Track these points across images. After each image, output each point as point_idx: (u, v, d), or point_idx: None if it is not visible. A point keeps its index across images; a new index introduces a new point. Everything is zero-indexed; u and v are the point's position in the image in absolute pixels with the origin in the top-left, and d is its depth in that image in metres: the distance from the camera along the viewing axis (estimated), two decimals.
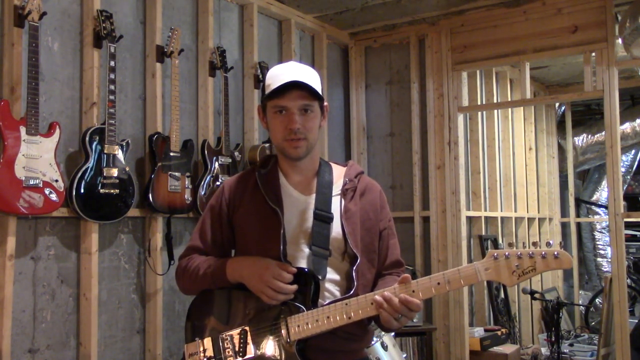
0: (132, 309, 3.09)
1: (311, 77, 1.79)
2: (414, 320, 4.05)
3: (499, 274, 1.60)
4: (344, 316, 1.66)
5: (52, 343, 2.71)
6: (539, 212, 6.06)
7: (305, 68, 1.83)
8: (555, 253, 1.56)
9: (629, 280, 6.27)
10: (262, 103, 1.85)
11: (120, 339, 3.02)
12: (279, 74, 1.78)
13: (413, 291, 1.64)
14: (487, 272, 1.61)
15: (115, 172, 2.80)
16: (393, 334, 3.50)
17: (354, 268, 1.78)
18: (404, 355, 3.56)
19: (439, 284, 1.63)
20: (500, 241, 5.28)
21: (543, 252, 1.57)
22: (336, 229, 1.81)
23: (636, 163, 7.19)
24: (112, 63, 2.83)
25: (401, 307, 1.63)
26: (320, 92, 1.79)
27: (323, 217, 1.80)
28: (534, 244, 1.60)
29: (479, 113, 5.25)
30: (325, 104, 1.85)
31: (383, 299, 1.64)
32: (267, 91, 1.78)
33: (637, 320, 5.01)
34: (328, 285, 1.78)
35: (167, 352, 3.22)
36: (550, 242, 1.60)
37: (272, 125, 1.81)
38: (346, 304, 1.67)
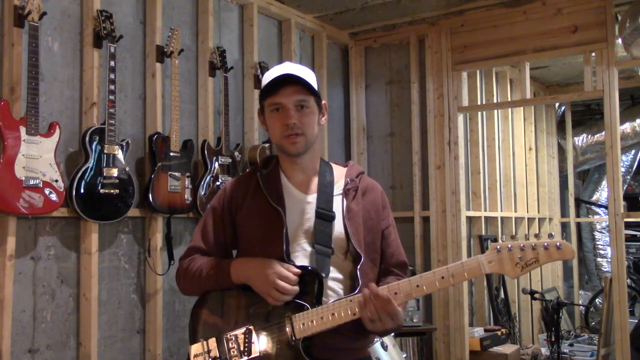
0: (132, 309, 3.09)
1: (305, 73, 1.81)
2: (414, 321, 4.05)
3: (502, 266, 1.61)
4: (349, 312, 1.67)
5: (52, 343, 2.71)
6: (539, 212, 6.06)
7: (299, 66, 1.86)
8: (558, 244, 1.58)
9: (629, 280, 6.27)
10: (260, 104, 1.87)
11: (120, 339, 3.02)
12: (273, 74, 1.80)
13: (417, 286, 1.65)
14: (490, 265, 1.62)
15: (115, 172, 2.80)
16: (393, 334, 3.49)
17: (358, 267, 1.78)
18: (404, 355, 3.56)
19: (442, 277, 1.64)
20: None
21: (545, 244, 1.58)
22: (339, 228, 1.81)
23: (636, 163, 7.19)
24: (112, 63, 2.83)
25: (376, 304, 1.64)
26: (315, 87, 1.80)
27: (325, 216, 1.80)
28: (536, 235, 1.62)
29: (479, 113, 5.25)
30: (324, 102, 1.87)
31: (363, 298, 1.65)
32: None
33: (637, 320, 5.01)
34: (331, 283, 1.79)
35: (167, 352, 3.21)
36: (552, 233, 1.61)
37: (270, 123, 1.83)
38: (350, 301, 1.68)
